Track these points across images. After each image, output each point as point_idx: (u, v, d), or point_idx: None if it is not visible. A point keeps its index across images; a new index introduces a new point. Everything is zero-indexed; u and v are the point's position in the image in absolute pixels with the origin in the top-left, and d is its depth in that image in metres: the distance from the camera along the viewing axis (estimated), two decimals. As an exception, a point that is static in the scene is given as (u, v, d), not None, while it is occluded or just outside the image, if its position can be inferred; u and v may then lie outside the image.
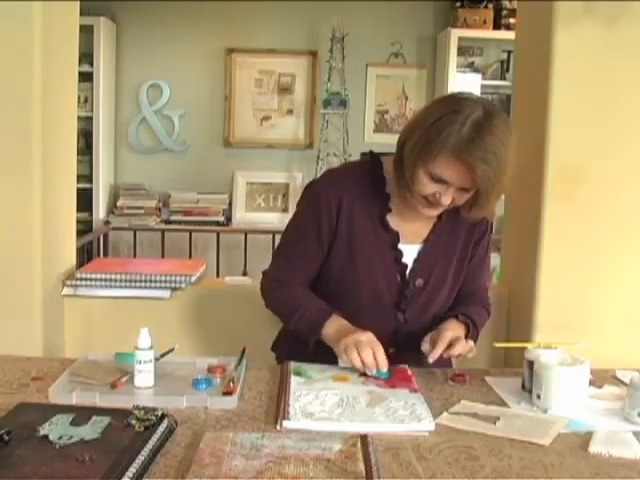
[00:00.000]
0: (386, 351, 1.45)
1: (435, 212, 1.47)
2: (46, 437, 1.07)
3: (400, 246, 1.53)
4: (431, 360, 1.45)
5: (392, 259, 1.53)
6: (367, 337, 1.42)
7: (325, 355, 1.49)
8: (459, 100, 1.39)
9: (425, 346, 1.48)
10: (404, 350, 1.54)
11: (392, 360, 1.48)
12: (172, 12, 4.28)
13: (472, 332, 1.56)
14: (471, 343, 1.48)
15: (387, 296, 1.53)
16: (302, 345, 1.51)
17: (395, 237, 1.52)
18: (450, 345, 1.45)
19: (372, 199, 1.51)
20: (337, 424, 1.20)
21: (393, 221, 1.52)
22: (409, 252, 1.54)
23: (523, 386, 1.42)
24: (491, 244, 1.66)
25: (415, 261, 1.54)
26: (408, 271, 1.54)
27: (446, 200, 1.40)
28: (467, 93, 1.43)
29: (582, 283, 1.89)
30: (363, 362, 1.40)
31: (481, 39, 4.34)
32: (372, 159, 1.56)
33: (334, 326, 1.47)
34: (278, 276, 1.58)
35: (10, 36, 1.81)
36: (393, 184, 1.49)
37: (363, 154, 3.57)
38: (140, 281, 2.04)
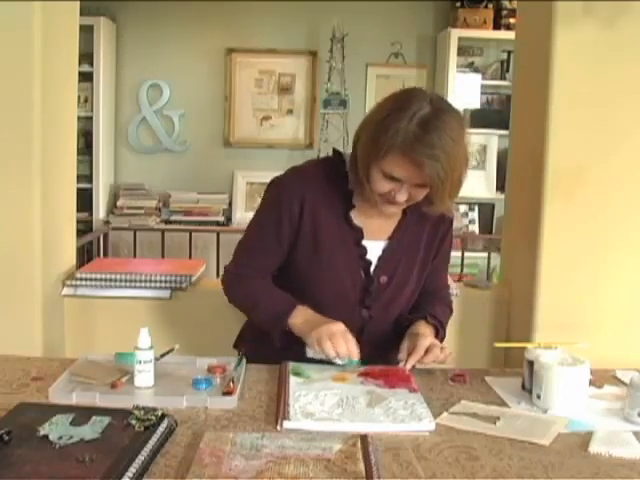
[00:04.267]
0: None
1: (395, 209, 1.48)
2: (46, 437, 1.07)
3: (364, 243, 1.53)
4: (408, 367, 1.47)
5: (356, 255, 1.53)
6: (338, 327, 1.43)
7: (287, 352, 1.50)
8: (408, 96, 1.39)
9: (401, 355, 1.50)
10: (370, 348, 1.54)
11: (360, 358, 1.51)
12: (172, 12, 4.29)
13: (440, 334, 1.58)
14: (447, 352, 1.48)
15: (352, 292, 1.54)
16: (265, 341, 1.52)
17: (359, 233, 1.53)
18: (426, 352, 1.47)
19: (335, 196, 1.52)
20: (337, 424, 1.20)
21: (357, 218, 1.53)
22: (374, 249, 1.54)
23: (523, 386, 1.42)
24: (453, 242, 1.69)
25: (380, 258, 1.55)
26: (372, 268, 1.54)
27: (402, 198, 1.40)
28: (418, 89, 1.43)
29: (582, 283, 1.89)
30: (337, 352, 1.41)
31: (481, 39, 4.34)
32: (335, 156, 1.56)
33: (302, 316, 1.48)
34: (238, 271, 1.59)
35: (10, 36, 1.81)
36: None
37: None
38: (140, 281, 2.04)
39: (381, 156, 1.35)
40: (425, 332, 1.53)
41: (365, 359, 1.48)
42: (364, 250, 1.53)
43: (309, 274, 1.53)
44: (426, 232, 1.59)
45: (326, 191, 1.51)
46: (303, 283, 1.54)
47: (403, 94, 1.42)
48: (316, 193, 1.50)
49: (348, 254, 1.53)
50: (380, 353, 1.54)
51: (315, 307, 1.50)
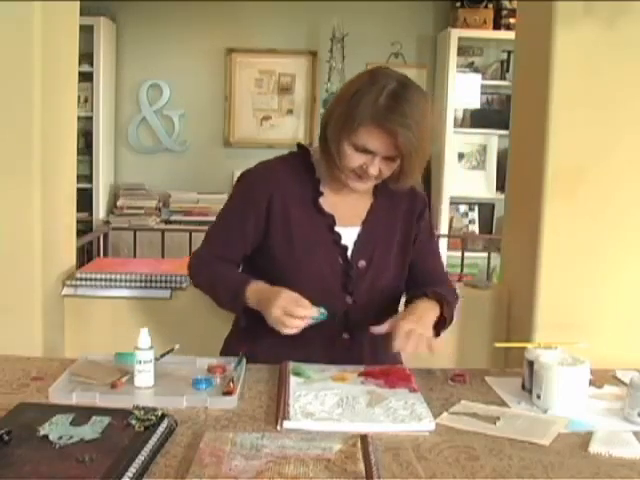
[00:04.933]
0: (340, 337, 1.52)
1: (365, 186, 1.51)
2: (46, 437, 1.07)
3: (338, 229, 1.55)
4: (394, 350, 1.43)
5: (331, 242, 1.55)
6: (286, 298, 1.41)
7: (276, 356, 1.50)
8: (375, 74, 1.46)
9: (377, 329, 1.46)
10: (357, 335, 1.56)
11: (347, 346, 1.54)
12: (172, 12, 4.29)
13: (447, 311, 1.53)
14: (436, 342, 1.44)
15: (332, 279, 1.55)
16: (252, 345, 1.53)
17: (330, 220, 1.55)
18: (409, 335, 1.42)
19: (303, 185, 1.56)
20: (337, 424, 1.20)
21: (327, 205, 1.56)
22: (349, 234, 1.56)
23: (523, 386, 1.42)
24: (433, 225, 1.69)
25: (355, 243, 1.57)
26: (350, 253, 1.56)
27: (374, 170, 1.44)
28: (384, 67, 1.50)
29: (582, 283, 1.89)
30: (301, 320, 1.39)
31: (481, 39, 4.34)
32: (300, 149, 1.61)
33: (253, 291, 1.47)
34: (203, 256, 1.62)
35: (10, 36, 1.81)
36: (322, 169, 1.55)
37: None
38: (140, 281, 2.04)
39: (354, 129, 1.40)
40: (425, 307, 1.50)
41: (355, 349, 1.50)
42: (338, 236, 1.55)
43: (287, 264, 1.54)
44: (401, 212, 1.61)
45: (294, 182, 1.56)
46: (283, 274, 1.54)
47: (369, 72, 1.49)
48: (284, 184, 1.55)
49: (323, 241, 1.55)
50: (369, 342, 1.55)
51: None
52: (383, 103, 1.38)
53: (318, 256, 1.54)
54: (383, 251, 1.58)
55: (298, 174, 1.57)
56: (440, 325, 1.52)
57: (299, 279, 1.52)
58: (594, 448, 1.15)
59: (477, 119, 4.38)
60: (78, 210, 2.25)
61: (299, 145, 1.62)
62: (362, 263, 1.56)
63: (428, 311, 1.50)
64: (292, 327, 1.40)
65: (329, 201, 1.57)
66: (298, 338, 1.42)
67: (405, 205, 1.61)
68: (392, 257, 1.60)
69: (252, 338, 1.56)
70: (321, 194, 1.56)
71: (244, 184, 1.59)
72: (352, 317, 1.57)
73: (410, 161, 1.43)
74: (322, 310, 1.42)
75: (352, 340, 1.57)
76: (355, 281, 1.56)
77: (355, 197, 1.57)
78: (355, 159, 1.44)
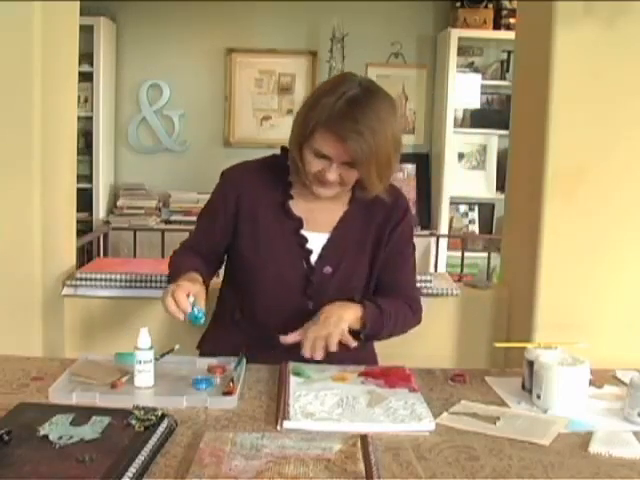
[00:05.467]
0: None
1: (328, 192, 1.50)
2: (46, 437, 1.07)
3: (306, 233, 1.55)
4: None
5: (295, 244, 1.55)
6: (181, 284, 1.40)
7: (253, 356, 1.49)
8: (339, 79, 1.48)
9: (286, 338, 1.47)
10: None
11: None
12: (172, 12, 4.28)
13: (370, 311, 1.50)
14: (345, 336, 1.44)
15: (293, 282, 1.54)
16: (225, 339, 1.56)
17: (298, 223, 1.56)
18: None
19: (275, 187, 1.57)
20: (337, 424, 1.20)
21: (298, 209, 1.56)
22: (317, 240, 1.56)
23: (523, 386, 1.42)
24: (412, 239, 1.65)
25: (324, 248, 1.56)
26: (315, 258, 1.55)
27: (331, 176, 1.44)
28: (351, 73, 1.49)
29: (582, 283, 1.89)
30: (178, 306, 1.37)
31: (481, 39, 4.34)
32: (281, 151, 1.62)
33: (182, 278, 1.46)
34: (181, 247, 1.68)
35: (10, 36, 1.81)
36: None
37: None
38: (140, 281, 2.04)
39: (309, 133, 1.42)
40: (340, 305, 1.48)
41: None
42: (304, 239, 1.55)
43: (252, 263, 1.56)
44: (376, 223, 1.59)
45: (266, 183, 1.57)
46: (249, 272, 1.57)
47: (335, 78, 1.51)
48: (255, 184, 1.57)
49: (287, 243, 1.55)
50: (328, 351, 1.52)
51: (263, 298, 1.54)
52: (338, 109, 1.38)
53: (281, 257, 1.55)
54: (353, 260, 1.57)
55: (272, 176, 1.58)
56: (362, 328, 1.50)
57: (263, 280, 1.54)
58: (594, 448, 1.15)
59: (477, 119, 4.38)
60: (78, 210, 2.25)
61: (282, 148, 1.62)
62: (328, 269, 1.55)
63: (337, 309, 1.47)
64: (168, 305, 1.37)
65: (301, 205, 1.57)
66: (261, 339, 1.45)
67: (381, 215, 1.59)
68: (362, 266, 1.58)
69: (217, 337, 1.61)
70: (291, 197, 1.57)
71: (220, 182, 1.63)
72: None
73: (367, 169, 1.42)
74: (198, 311, 1.39)
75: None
76: (317, 287, 1.55)
77: (328, 204, 1.56)
78: (314, 164, 1.44)
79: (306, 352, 1.43)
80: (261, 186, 1.57)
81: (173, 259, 1.65)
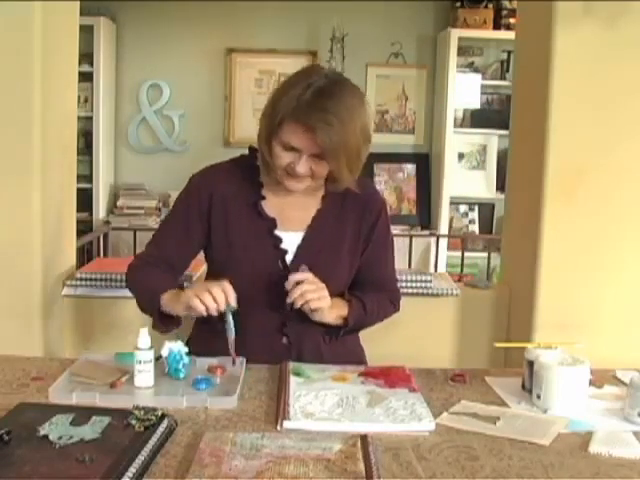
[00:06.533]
0: (279, 342, 1.52)
1: (300, 185, 1.49)
2: (46, 437, 1.07)
3: (280, 233, 1.54)
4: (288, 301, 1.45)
5: (270, 245, 1.54)
6: (214, 283, 1.41)
7: (213, 353, 1.49)
8: (306, 71, 1.46)
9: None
10: (296, 341, 1.55)
11: (285, 352, 1.52)
12: (172, 12, 4.28)
13: (356, 306, 1.54)
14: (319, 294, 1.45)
15: (270, 282, 1.51)
16: (214, 341, 1.52)
17: (271, 223, 1.54)
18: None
19: (246, 188, 1.55)
20: (337, 424, 1.20)
21: (270, 208, 1.55)
22: (291, 239, 1.55)
23: (523, 386, 1.42)
24: (390, 232, 1.64)
25: (299, 247, 1.54)
26: (291, 257, 1.54)
27: (301, 169, 1.43)
28: (318, 65, 1.52)
29: (582, 283, 1.89)
30: (215, 300, 1.38)
31: (481, 39, 4.34)
32: (249, 151, 1.60)
33: (170, 293, 1.47)
34: (143, 258, 1.62)
35: (10, 36, 1.81)
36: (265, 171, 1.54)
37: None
38: (140, 281, 2.03)
39: (277, 125, 1.40)
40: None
41: (293, 355, 1.51)
42: (278, 240, 1.54)
43: (227, 265, 1.54)
44: (352, 221, 1.58)
45: (237, 184, 1.55)
46: (224, 275, 1.51)
47: (302, 70, 1.48)
48: (226, 187, 1.55)
49: (262, 245, 1.53)
50: (309, 348, 1.55)
51: (241, 300, 1.48)
52: (305, 99, 1.36)
53: (255, 258, 1.53)
54: (329, 257, 1.56)
55: (242, 176, 1.56)
56: (344, 325, 1.54)
57: (239, 282, 1.49)
58: (594, 448, 1.15)
59: (477, 119, 4.38)
60: (78, 210, 2.25)
61: (250, 148, 1.60)
62: (304, 268, 1.52)
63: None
64: (204, 298, 1.37)
65: (273, 205, 1.55)
66: (238, 341, 1.43)
67: (357, 211, 1.57)
68: (339, 264, 1.57)
69: (203, 338, 1.59)
70: (263, 198, 1.55)
71: (188, 185, 1.59)
72: (291, 322, 1.54)
73: (337, 160, 1.41)
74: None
75: (291, 345, 1.55)
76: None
77: (301, 202, 1.55)
78: (284, 157, 1.43)
79: (291, 295, 1.43)
80: (233, 188, 1.55)
81: (139, 277, 1.59)
